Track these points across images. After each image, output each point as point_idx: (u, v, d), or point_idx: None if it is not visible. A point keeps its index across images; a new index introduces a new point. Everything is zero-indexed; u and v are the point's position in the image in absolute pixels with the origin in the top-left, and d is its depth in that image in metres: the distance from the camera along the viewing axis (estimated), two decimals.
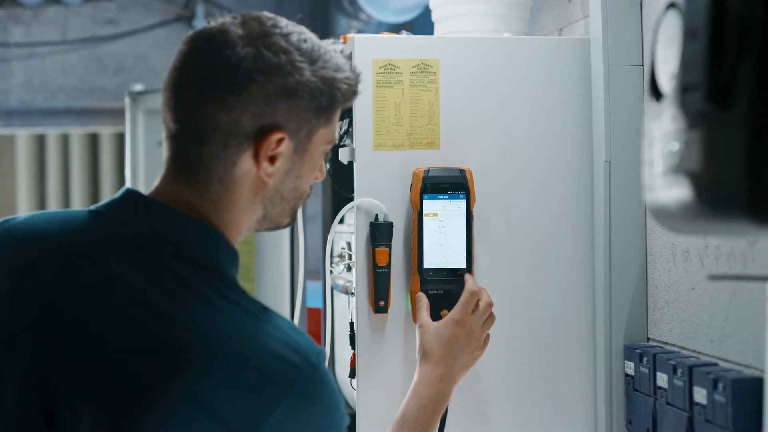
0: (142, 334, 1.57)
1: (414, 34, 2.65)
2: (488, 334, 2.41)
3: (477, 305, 2.38)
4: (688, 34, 1.42)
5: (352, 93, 1.76)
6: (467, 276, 2.44)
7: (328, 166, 2.87)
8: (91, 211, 1.72)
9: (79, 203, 7.25)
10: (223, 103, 1.64)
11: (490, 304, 2.39)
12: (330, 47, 1.75)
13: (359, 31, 4.79)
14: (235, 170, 1.68)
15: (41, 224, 1.73)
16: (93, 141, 7.36)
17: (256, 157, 1.67)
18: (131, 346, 1.57)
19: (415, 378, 2.31)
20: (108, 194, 7.16)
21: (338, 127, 2.71)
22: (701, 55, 1.38)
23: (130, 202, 1.70)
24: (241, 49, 1.65)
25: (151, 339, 1.57)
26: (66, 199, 7.40)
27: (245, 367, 1.56)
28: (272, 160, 1.69)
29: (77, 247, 1.66)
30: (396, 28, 4.71)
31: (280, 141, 1.67)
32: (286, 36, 1.68)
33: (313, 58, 1.69)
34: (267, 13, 1.73)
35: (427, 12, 3.10)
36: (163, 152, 1.73)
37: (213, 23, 1.71)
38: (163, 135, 1.72)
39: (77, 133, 7.21)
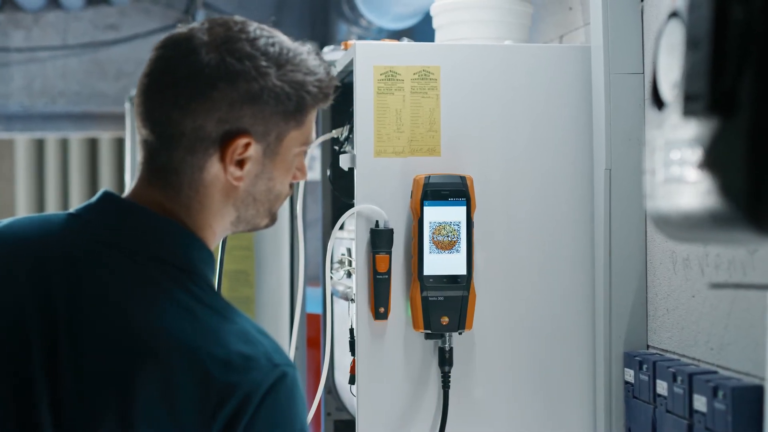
0: (111, 335, 1.60)
1: (415, 40, 2.66)
2: None
3: None
4: (691, 43, 1.42)
5: (324, 95, 1.76)
6: None
7: (329, 173, 2.87)
8: (69, 214, 1.74)
9: None
10: (188, 110, 1.66)
11: None
12: (302, 49, 1.75)
13: (359, 38, 4.79)
14: (203, 175, 1.69)
15: (19, 227, 1.75)
16: (92, 146, 7.36)
17: (223, 161, 1.68)
18: (99, 346, 1.60)
19: None
20: None
21: (340, 132, 2.72)
22: (704, 64, 1.38)
23: (106, 204, 1.73)
24: (205, 56, 1.66)
25: (119, 339, 1.60)
26: (65, 204, 7.40)
27: (207, 364, 1.57)
28: (240, 164, 1.70)
29: (52, 248, 1.69)
30: (397, 35, 4.71)
31: (246, 145, 1.68)
32: (253, 41, 1.68)
33: (280, 62, 1.69)
34: (237, 18, 1.74)
35: (427, 19, 3.11)
36: (137, 156, 1.74)
37: (181, 29, 1.73)
38: (137, 140, 1.74)
39: (77, 137, 7.21)
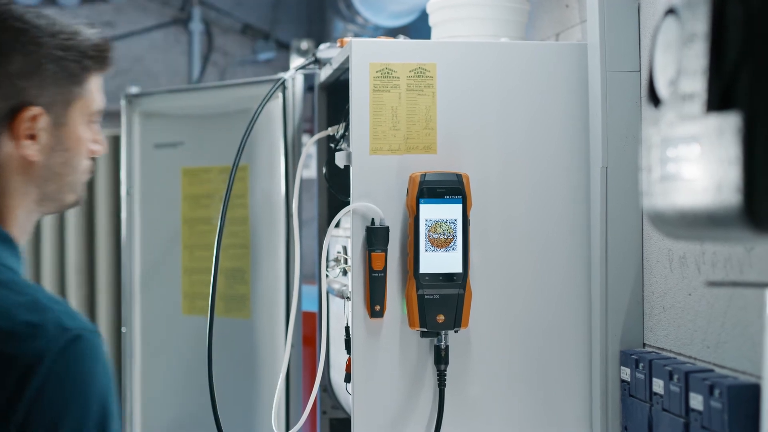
0: None
1: (411, 38, 2.65)
2: None
3: None
4: (687, 41, 1.42)
5: (102, 59, 1.79)
6: None
7: (324, 171, 2.86)
8: None
9: None
10: None
11: None
12: (74, 21, 1.79)
13: (356, 35, 4.79)
14: None
15: None
16: None
17: (15, 138, 1.70)
18: None
19: None
20: (103, 196, 7.15)
21: (335, 130, 2.72)
22: (700, 61, 1.38)
23: None
24: None
25: None
26: None
27: None
28: (33, 138, 1.71)
29: None
30: (393, 32, 4.70)
31: (34, 118, 1.70)
32: (20, 16, 1.71)
33: (53, 32, 1.72)
34: (3, 0, 1.76)
35: (424, 16, 3.10)
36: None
37: None
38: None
39: None
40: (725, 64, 1.34)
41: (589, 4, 2.55)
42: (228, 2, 5.42)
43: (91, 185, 7.23)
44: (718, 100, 1.34)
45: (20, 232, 1.75)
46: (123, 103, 3.72)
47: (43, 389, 1.53)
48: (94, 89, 1.80)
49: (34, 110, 1.70)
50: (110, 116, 5.47)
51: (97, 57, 1.78)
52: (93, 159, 1.83)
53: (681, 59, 1.44)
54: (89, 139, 1.81)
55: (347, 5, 4.59)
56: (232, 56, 5.33)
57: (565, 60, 2.59)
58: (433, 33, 2.92)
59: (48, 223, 7.19)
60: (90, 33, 1.79)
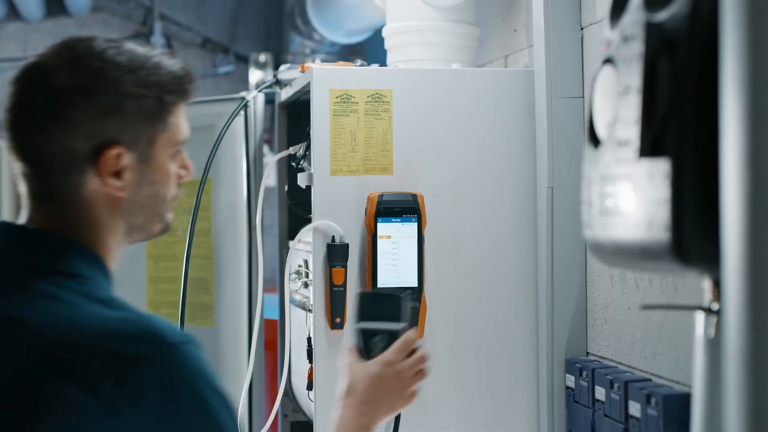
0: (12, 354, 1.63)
1: (367, 53, 2.76)
2: (414, 391, 2.19)
3: (412, 354, 2.18)
4: (623, 93, 1.57)
5: (183, 91, 1.80)
6: (408, 329, 2.20)
7: (286, 188, 2.95)
8: None
9: None
10: (51, 133, 1.70)
11: (424, 358, 2.19)
12: (154, 53, 1.80)
13: (313, 51, 4.87)
14: (83, 192, 1.73)
15: None
16: None
17: (100, 175, 1.71)
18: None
19: (334, 414, 2.14)
20: None
21: (296, 149, 2.83)
22: (633, 112, 1.52)
23: (2, 232, 1.78)
24: (57, 78, 1.70)
25: (8, 349, 1.63)
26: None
27: (96, 353, 1.59)
28: (118, 175, 1.72)
29: None
30: (348, 49, 4.79)
31: (119, 156, 1.71)
32: (100, 54, 1.73)
33: (132, 68, 1.74)
34: (82, 36, 1.78)
35: (378, 33, 3.21)
36: (20, 188, 1.80)
37: (30, 59, 1.77)
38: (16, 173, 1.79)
39: None
40: (656, 116, 1.49)
41: (536, 32, 2.69)
42: (188, 17, 5.49)
43: None
44: (649, 147, 1.49)
45: (111, 260, 1.78)
46: None
47: (145, 397, 1.58)
48: (178, 120, 1.80)
49: (118, 149, 1.71)
50: None
51: (177, 90, 1.78)
52: (178, 185, 1.84)
53: (617, 108, 1.58)
54: (176, 169, 1.82)
55: (304, 22, 4.66)
56: (192, 69, 5.43)
57: (513, 85, 2.73)
58: (389, 56, 3.04)
59: None
60: (169, 64, 1.78)
